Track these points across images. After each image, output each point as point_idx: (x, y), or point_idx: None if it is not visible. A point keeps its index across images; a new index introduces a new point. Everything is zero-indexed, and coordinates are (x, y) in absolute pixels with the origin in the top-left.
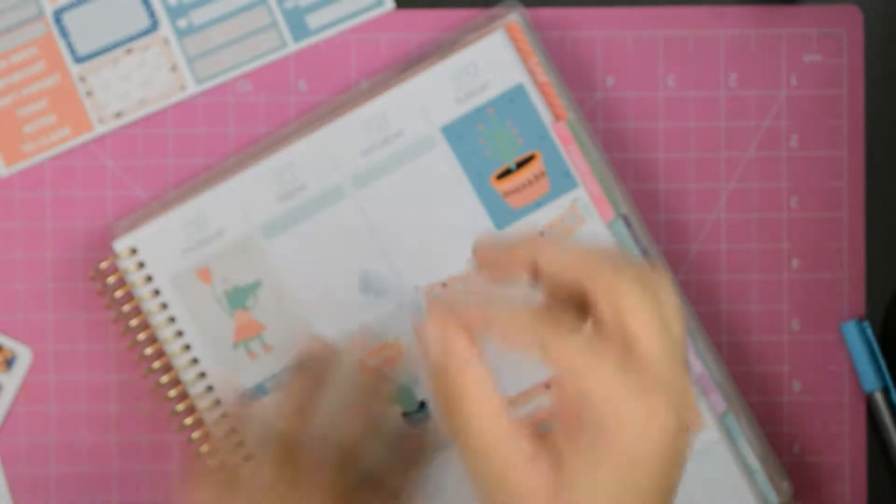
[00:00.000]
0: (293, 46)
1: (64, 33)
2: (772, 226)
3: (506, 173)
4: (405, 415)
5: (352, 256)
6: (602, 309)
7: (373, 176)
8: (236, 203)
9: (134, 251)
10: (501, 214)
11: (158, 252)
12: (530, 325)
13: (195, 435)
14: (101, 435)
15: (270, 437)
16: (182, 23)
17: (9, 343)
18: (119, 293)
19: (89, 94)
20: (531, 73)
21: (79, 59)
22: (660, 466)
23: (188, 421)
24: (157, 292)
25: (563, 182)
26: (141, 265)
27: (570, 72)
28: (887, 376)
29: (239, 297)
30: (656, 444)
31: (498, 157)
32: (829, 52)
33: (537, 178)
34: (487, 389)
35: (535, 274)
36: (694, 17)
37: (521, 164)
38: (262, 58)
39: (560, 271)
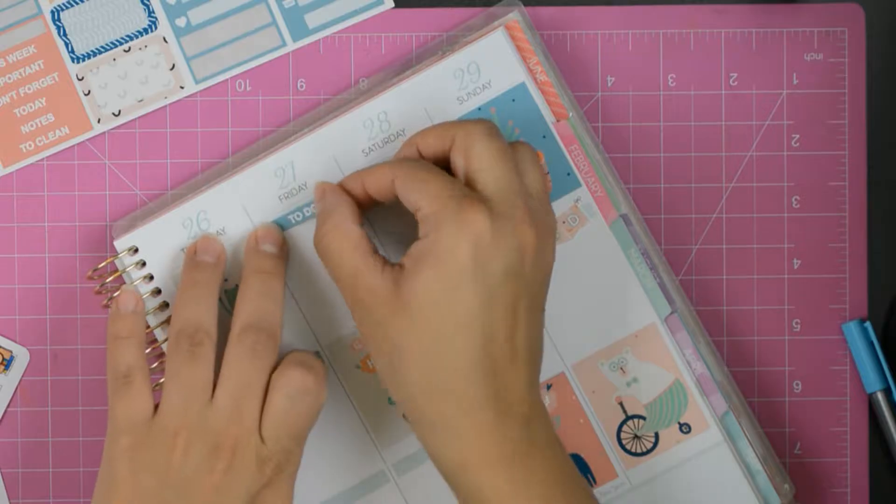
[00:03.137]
0: (292, 45)
1: (62, 32)
2: (773, 225)
3: None
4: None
5: None
6: (454, 160)
7: None
8: (237, 202)
9: (135, 250)
10: None
11: (159, 251)
12: (383, 168)
13: None
14: (98, 435)
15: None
16: (181, 21)
17: (6, 343)
18: (118, 293)
19: (87, 93)
20: (531, 72)
21: (77, 58)
22: (474, 268)
23: None
24: (158, 291)
25: (565, 182)
26: (142, 264)
27: (571, 71)
28: (889, 377)
29: None
30: (468, 250)
31: None
32: (831, 50)
33: None
34: (350, 221)
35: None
36: (695, 16)
37: None
38: (262, 57)
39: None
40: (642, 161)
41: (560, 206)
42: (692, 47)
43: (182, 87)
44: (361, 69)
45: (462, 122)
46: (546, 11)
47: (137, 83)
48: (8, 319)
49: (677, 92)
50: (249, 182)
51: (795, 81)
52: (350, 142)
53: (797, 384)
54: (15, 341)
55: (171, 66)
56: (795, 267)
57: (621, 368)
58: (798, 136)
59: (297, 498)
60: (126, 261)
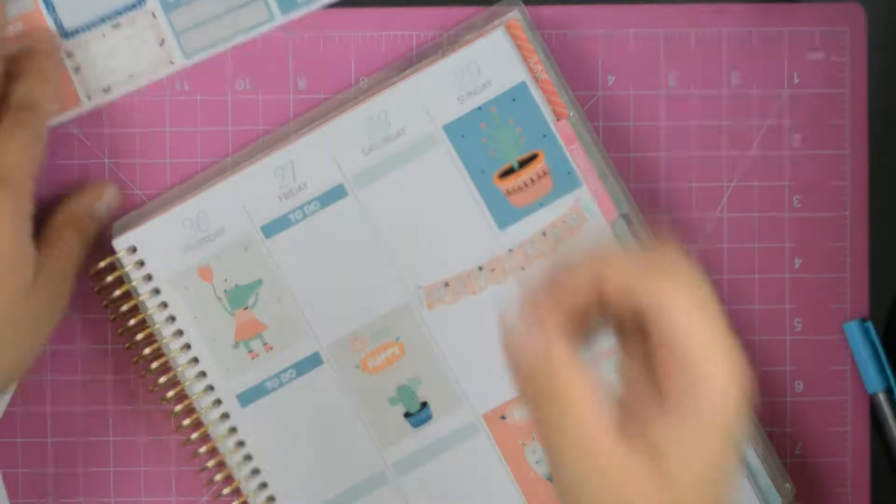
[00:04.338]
0: (281, 19)
1: (50, 8)
2: (774, 225)
3: (508, 172)
4: (407, 415)
5: (353, 255)
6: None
7: (374, 175)
8: (237, 201)
9: (134, 250)
10: (504, 213)
11: (159, 251)
12: (640, 275)
13: (194, 436)
14: (98, 435)
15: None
16: None
17: None
18: (117, 293)
19: (77, 69)
20: (531, 71)
21: (66, 35)
22: (732, 430)
23: (186, 422)
24: (157, 291)
25: (565, 181)
26: (141, 264)
27: (571, 70)
28: (890, 377)
29: (240, 297)
30: (732, 407)
31: (500, 156)
32: (832, 49)
33: (540, 177)
34: (586, 393)
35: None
36: (695, 15)
37: (523, 163)
38: (251, 31)
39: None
40: (643, 160)
41: (560, 206)
42: (693, 47)
43: (172, 63)
44: (361, 68)
45: (658, 273)
46: (546, 11)
47: (127, 59)
48: None
49: (678, 91)
50: (249, 182)
51: (796, 81)
52: (350, 141)
53: (798, 384)
54: None
55: (160, 42)
56: (796, 266)
57: None
58: (799, 135)
59: (297, 499)
60: (125, 260)
